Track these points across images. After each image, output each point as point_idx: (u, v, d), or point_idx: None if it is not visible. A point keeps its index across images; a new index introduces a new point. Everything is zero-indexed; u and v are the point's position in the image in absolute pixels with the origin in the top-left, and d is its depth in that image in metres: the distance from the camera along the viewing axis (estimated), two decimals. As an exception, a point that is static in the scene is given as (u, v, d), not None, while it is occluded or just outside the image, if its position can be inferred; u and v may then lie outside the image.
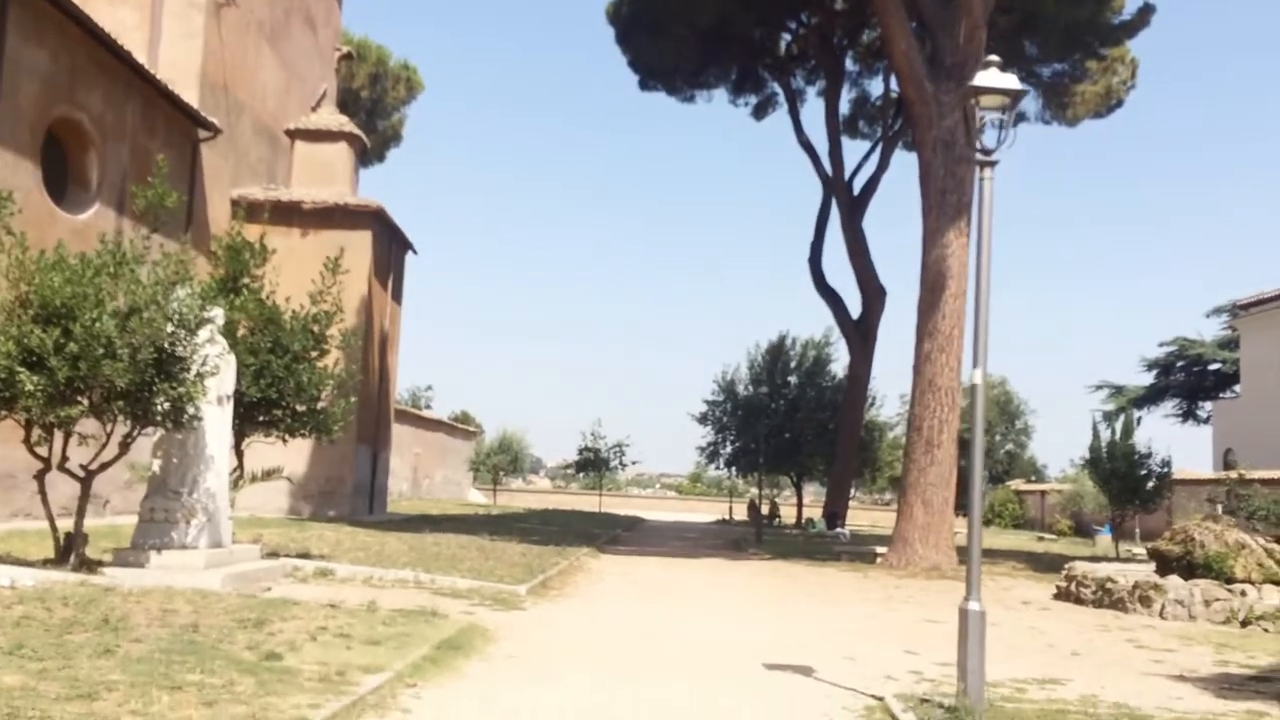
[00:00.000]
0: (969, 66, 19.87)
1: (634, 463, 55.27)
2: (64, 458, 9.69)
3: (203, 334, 10.19)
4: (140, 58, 20.60)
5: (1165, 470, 26.74)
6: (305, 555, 13.90)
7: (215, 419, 10.99)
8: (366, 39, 38.99)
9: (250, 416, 11.99)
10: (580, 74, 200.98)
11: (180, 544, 10.34)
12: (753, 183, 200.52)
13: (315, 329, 12.31)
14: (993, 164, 6.64)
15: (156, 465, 10.70)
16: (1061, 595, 15.93)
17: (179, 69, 22.66)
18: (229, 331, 11.68)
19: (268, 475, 12.47)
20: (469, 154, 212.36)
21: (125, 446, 9.72)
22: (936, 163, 19.75)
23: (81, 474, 9.72)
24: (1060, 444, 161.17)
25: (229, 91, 24.83)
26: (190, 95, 22.55)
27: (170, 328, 9.29)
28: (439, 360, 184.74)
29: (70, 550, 9.56)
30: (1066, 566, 16.29)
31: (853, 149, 42.12)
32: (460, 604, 10.90)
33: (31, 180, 17.01)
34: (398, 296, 29.38)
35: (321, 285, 12.59)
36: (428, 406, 56.44)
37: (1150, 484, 26.46)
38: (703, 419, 44.28)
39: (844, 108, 36.34)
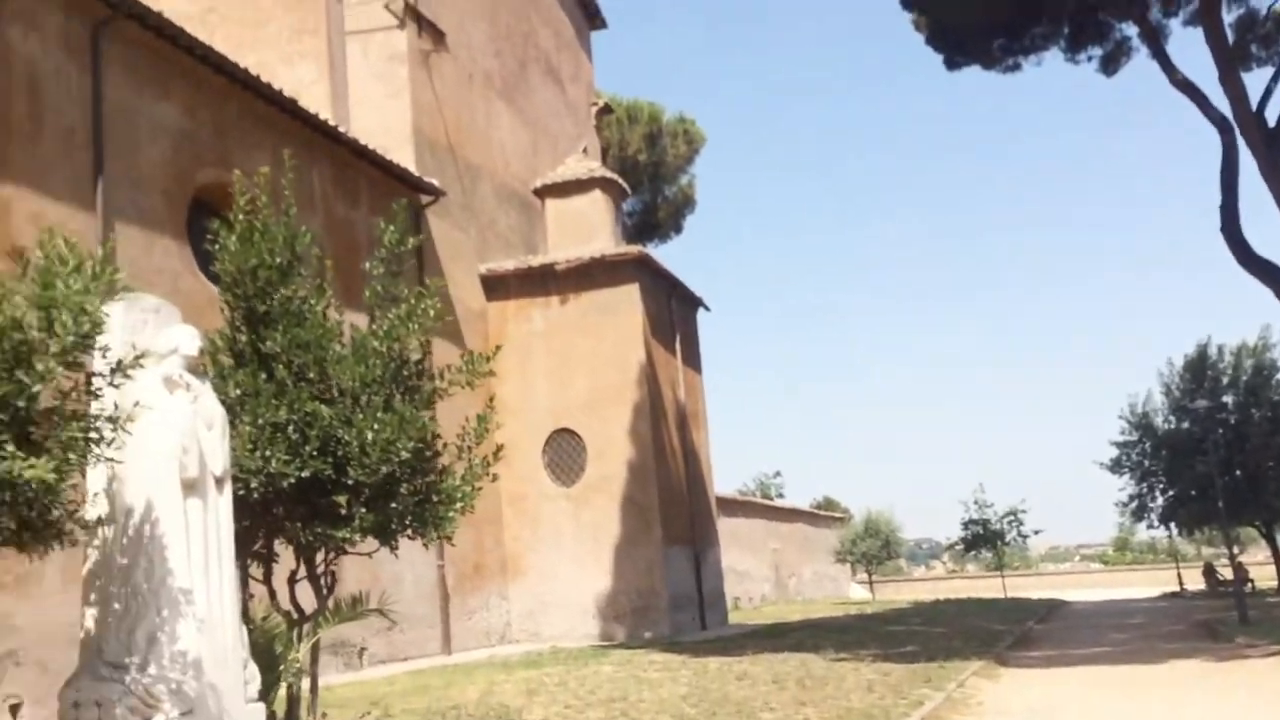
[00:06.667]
0: None
1: (1036, 532, 45.88)
2: None
3: (136, 373, 5.08)
4: (325, 115, 17.29)
5: None
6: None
7: (194, 523, 5.94)
8: (636, 100, 35.35)
9: (298, 513, 6.85)
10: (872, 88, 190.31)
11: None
12: (1100, 169, 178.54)
13: (389, 349, 7.04)
14: None
15: (89, 618, 5.80)
16: None
17: (386, 129, 19.29)
18: (249, 377, 6.75)
19: (354, 610, 7.17)
20: (759, 210, 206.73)
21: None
22: None
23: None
24: None
25: (457, 153, 21.26)
26: (403, 157, 19.04)
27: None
28: (788, 444, 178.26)
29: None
30: None
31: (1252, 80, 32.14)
32: None
33: (178, 261, 13.58)
34: (693, 362, 24.22)
35: (387, 250, 7.44)
36: (779, 495, 50.60)
37: None
38: (1115, 466, 34.99)
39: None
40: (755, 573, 39.24)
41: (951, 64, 28.59)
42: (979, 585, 47.82)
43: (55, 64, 12.00)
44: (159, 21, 13.28)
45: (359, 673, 15.12)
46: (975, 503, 43.20)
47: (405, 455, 6.86)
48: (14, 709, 8.88)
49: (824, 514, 50.16)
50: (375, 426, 6.73)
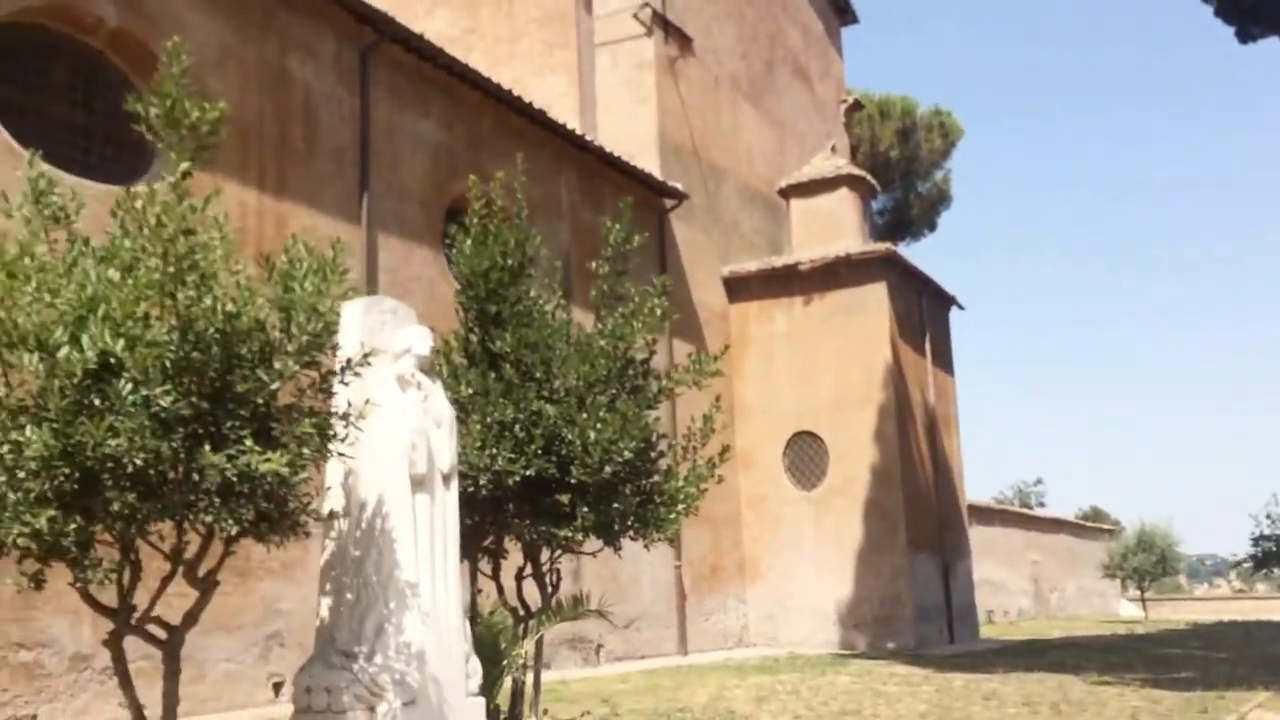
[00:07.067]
0: None
1: (1343, 549, 40.87)
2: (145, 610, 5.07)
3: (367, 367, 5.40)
4: (574, 125, 17.88)
5: None
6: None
7: (421, 518, 6.23)
8: (889, 95, 34.37)
9: (524, 510, 7.05)
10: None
11: (359, 749, 5.58)
12: None
13: (615, 348, 7.12)
14: None
15: (325, 607, 6.18)
16: None
17: (632, 136, 19.73)
18: (479, 378, 7.03)
19: (574, 610, 7.27)
20: (1024, 205, 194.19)
21: (190, 571, 5.01)
22: None
23: (162, 634, 5.18)
24: None
25: (701, 156, 21.42)
26: (648, 162, 19.40)
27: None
28: (1052, 451, 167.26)
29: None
30: None
31: None
32: None
33: (434, 268, 14.44)
34: (944, 363, 23.27)
35: (612, 249, 7.51)
36: (1040, 504, 47.77)
37: None
38: None
39: None
40: (1012, 585, 37.28)
41: (1245, 35, 25.83)
42: (1270, 607, 43.41)
43: (328, 88, 13.03)
44: (420, 44, 14.17)
45: (596, 669, 15.53)
46: (1268, 516, 38.98)
47: (627, 455, 6.89)
48: (277, 687, 9.68)
49: (1090, 525, 46.94)
50: (598, 427, 6.80)
